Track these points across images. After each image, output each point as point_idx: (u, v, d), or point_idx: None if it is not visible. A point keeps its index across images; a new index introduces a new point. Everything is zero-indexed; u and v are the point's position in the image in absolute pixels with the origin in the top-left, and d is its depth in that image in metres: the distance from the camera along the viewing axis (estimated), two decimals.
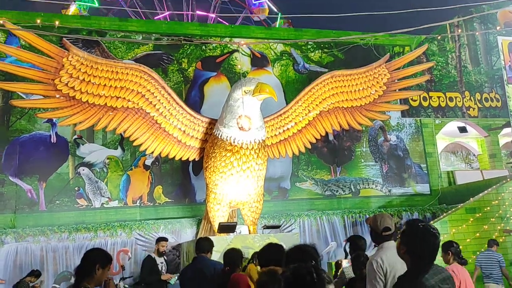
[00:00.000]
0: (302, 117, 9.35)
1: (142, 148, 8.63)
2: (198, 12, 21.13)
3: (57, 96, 7.83)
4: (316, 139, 9.58)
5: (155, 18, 17.84)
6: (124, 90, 8.14)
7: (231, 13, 21.51)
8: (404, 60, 10.46)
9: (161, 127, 8.51)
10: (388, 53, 11.39)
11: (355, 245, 4.99)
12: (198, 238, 6.28)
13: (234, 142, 7.80)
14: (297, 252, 2.91)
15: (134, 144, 8.64)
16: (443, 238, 9.30)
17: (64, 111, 7.97)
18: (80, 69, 7.86)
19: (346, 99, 9.67)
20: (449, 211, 10.12)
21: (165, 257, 8.26)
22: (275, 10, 21.31)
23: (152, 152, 8.66)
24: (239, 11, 21.52)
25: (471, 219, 9.64)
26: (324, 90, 9.49)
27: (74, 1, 17.47)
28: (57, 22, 9.25)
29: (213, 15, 20.82)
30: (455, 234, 9.28)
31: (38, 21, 8.72)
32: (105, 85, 8.02)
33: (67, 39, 10.58)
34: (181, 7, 21.02)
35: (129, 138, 8.51)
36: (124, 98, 8.15)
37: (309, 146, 9.56)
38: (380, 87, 9.92)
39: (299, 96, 9.42)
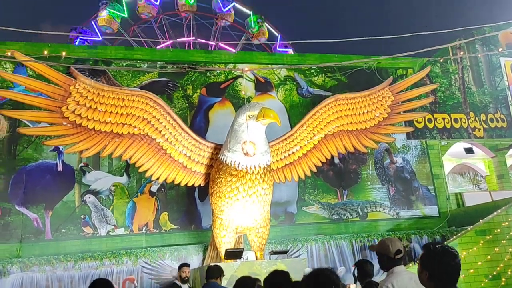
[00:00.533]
0: (307, 140, 9.35)
1: (147, 174, 8.63)
2: (200, 40, 21.47)
3: (64, 123, 7.90)
4: (321, 162, 9.55)
5: (157, 47, 18.13)
6: (130, 116, 8.20)
7: (232, 38, 21.84)
8: (408, 82, 10.51)
9: (166, 153, 8.53)
10: (391, 76, 11.45)
11: (363, 270, 4.90)
12: (208, 265, 6.21)
13: (239, 167, 7.79)
14: (316, 278, 2.82)
15: (140, 170, 8.65)
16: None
17: (71, 138, 8.02)
18: (87, 96, 7.96)
19: (351, 122, 9.69)
20: (459, 234, 9.96)
21: (189, 284, 8.09)
22: (275, 33, 21.65)
23: (158, 178, 8.65)
24: (239, 35, 21.86)
25: (482, 242, 9.47)
26: (328, 114, 9.52)
27: (106, 9, 18.05)
28: (63, 53, 9.42)
29: (214, 43, 21.14)
30: (466, 257, 9.10)
31: (46, 52, 8.88)
32: (111, 112, 8.10)
33: (74, 68, 10.79)
34: (182, 35, 21.42)
35: (134, 164, 8.52)
36: (130, 124, 8.21)
37: (314, 170, 9.53)
38: (384, 109, 9.95)
39: (304, 120, 9.45)
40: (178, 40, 21.19)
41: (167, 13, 21.29)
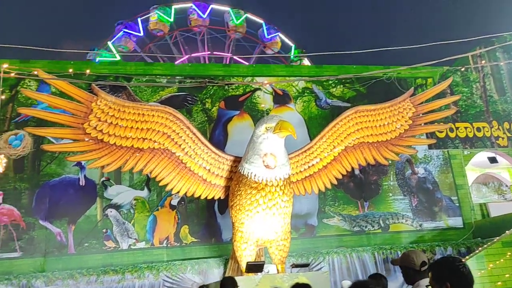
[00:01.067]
0: (327, 152, 9.29)
1: (168, 188, 8.69)
2: (215, 53, 21.75)
3: (86, 139, 8.04)
4: (342, 174, 9.47)
5: (175, 63, 18.47)
6: (150, 131, 8.30)
7: (246, 49, 22.07)
8: (429, 93, 10.37)
9: (186, 166, 8.59)
10: (412, 87, 11.33)
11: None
12: (222, 277, 6.22)
13: (258, 179, 7.77)
14: None
15: (160, 184, 8.72)
16: (480, 274, 8.92)
17: (93, 154, 8.15)
18: (108, 112, 8.10)
19: (371, 134, 9.59)
20: (485, 245, 9.72)
21: None
22: (290, 43, 21.78)
23: (178, 192, 8.70)
24: (253, 47, 22.06)
25: (509, 253, 9.22)
26: (348, 126, 9.44)
27: (155, 12, 18.62)
28: (88, 71, 9.63)
29: (228, 55, 21.39)
30: (492, 270, 8.87)
31: (71, 70, 9.08)
32: (132, 127, 8.21)
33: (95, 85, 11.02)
34: (196, 49, 21.74)
35: (155, 178, 8.60)
36: (150, 139, 8.31)
37: (335, 182, 9.44)
38: (405, 121, 9.83)
39: (324, 132, 9.40)
40: (193, 55, 21.50)
41: (180, 29, 21.63)
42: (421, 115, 9.96)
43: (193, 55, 21.51)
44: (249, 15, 21.47)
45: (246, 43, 22.23)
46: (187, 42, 22.01)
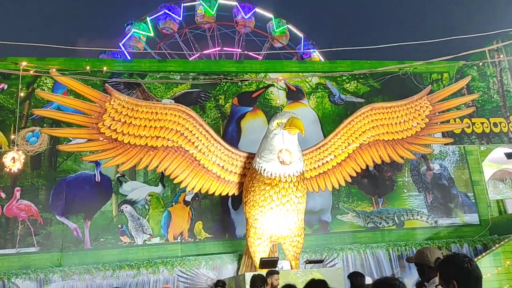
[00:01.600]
0: (342, 150, 9.21)
1: (182, 185, 8.73)
2: (225, 49, 21.72)
3: (101, 139, 8.08)
4: (356, 172, 9.39)
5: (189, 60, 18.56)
6: (164, 129, 8.34)
7: (256, 44, 21.98)
8: (447, 92, 10.21)
9: (200, 163, 8.62)
10: (430, 86, 11.15)
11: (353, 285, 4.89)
12: (253, 274, 6.23)
13: (272, 175, 7.78)
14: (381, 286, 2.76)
15: (175, 182, 8.77)
16: (497, 271, 8.81)
17: (108, 153, 8.18)
18: (121, 112, 8.12)
19: (387, 132, 9.46)
20: (502, 242, 9.59)
21: None
22: (299, 35, 21.64)
23: (193, 189, 8.74)
24: (263, 41, 21.96)
25: None
26: (364, 123, 9.33)
27: (131, 29, 18.80)
28: (105, 68, 9.70)
29: (239, 50, 21.36)
30: (510, 267, 8.75)
31: (88, 67, 9.17)
32: (145, 126, 8.25)
33: (109, 84, 11.12)
34: (207, 46, 21.72)
35: (169, 176, 8.65)
36: (164, 137, 8.35)
37: (349, 180, 9.34)
38: (422, 119, 9.65)
39: (338, 128, 9.32)
40: (204, 52, 21.50)
41: (190, 27, 21.64)
42: (438, 113, 9.82)
43: (204, 52, 21.50)
44: (258, 10, 21.38)
45: (255, 37, 22.17)
46: (197, 40, 22.06)
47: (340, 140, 9.20)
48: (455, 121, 11.33)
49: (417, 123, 9.63)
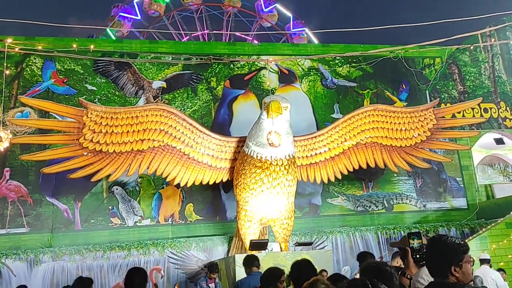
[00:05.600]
0: (337, 144, 9.13)
1: (176, 181, 8.66)
2: (214, 31, 21.47)
3: (85, 153, 7.90)
4: (348, 171, 9.32)
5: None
6: (147, 131, 8.21)
7: (244, 24, 21.70)
8: (455, 109, 10.14)
9: (190, 157, 8.56)
10: (438, 98, 11.01)
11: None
12: (246, 254, 6.27)
13: (263, 158, 7.79)
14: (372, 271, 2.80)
15: (168, 179, 8.70)
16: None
17: (95, 166, 8.02)
18: (101, 122, 7.96)
19: (386, 136, 9.30)
20: (489, 226, 9.75)
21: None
22: (288, 14, 21.43)
23: (186, 183, 8.70)
24: (251, 21, 21.71)
25: None
26: (364, 122, 9.20)
27: None
28: (92, 46, 9.53)
29: (227, 33, 21.13)
30: (495, 250, 8.91)
31: (75, 45, 9.01)
32: (128, 131, 8.10)
33: (99, 63, 10.98)
34: (195, 28, 21.38)
35: (161, 175, 8.58)
36: (149, 139, 8.23)
37: (339, 176, 9.29)
38: (424, 131, 9.47)
39: (337, 122, 9.23)
40: (193, 34, 21.18)
41: (177, 9, 21.28)
42: (440, 129, 9.67)
43: (192, 35, 21.17)
44: None
45: (244, 18, 21.88)
46: (185, 22, 21.73)
47: (337, 134, 9.14)
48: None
49: (418, 134, 9.44)
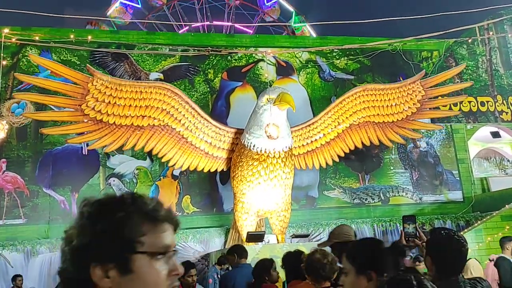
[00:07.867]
0: (331, 128, 9.20)
1: (170, 164, 8.70)
2: (215, 23, 21.32)
3: (85, 120, 7.93)
4: (344, 152, 9.41)
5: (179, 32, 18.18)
6: (149, 108, 8.21)
7: (246, 17, 21.59)
8: (440, 78, 10.17)
9: (187, 141, 8.57)
10: (424, 70, 11.08)
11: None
12: (235, 245, 6.30)
13: (261, 150, 7.81)
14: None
15: (163, 160, 8.72)
16: (478, 247, 9.03)
17: (93, 134, 8.07)
18: (105, 92, 7.96)
19: (378, 114, 9.41)
20: (484, 219, 9.80)
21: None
22: (290, 9, 21.35)
23: (181, 167, 8.72)
24: (253, 15, 21.61)
25: (507, 227, 9.30)
26: (355, 103, 9.29)
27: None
28: (89, 37, 9.48)
29: (229, 24, 20.99)
30: (490, 243, 8.97)
31: (72, 36, 8.95)
32: (130, 105, 8.10)
33: (96, 54, 10.92)
34: (196, 19, 21.24)
35: (157, 155, 8.60)
36: (150, 116, 8.23)
37: (336, 159, 9.39)
38: (413, 104, 9.61)
39: (329, 107, 9.28)
40: (194, 25, 21.05)
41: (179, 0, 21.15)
42: (428, 99, 9.81)
43: (193, 26, 21.04)
44: None
45: (245, 11, 21.78)
46: (186, 12, 21.59)
47: (330, 119, 9.20)
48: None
49: (409, 107, 9.60)
